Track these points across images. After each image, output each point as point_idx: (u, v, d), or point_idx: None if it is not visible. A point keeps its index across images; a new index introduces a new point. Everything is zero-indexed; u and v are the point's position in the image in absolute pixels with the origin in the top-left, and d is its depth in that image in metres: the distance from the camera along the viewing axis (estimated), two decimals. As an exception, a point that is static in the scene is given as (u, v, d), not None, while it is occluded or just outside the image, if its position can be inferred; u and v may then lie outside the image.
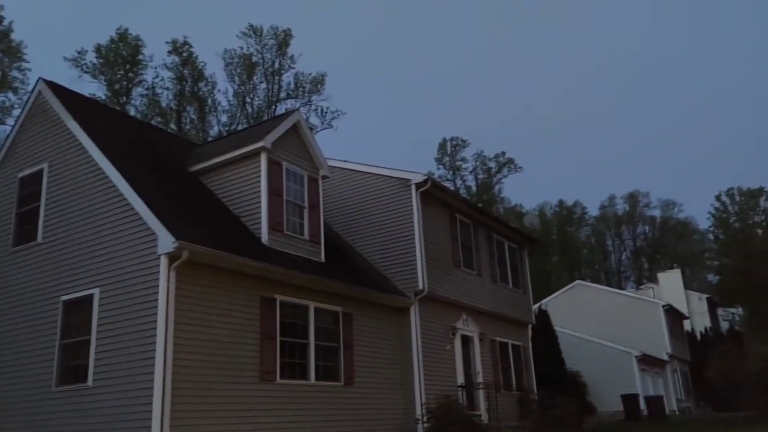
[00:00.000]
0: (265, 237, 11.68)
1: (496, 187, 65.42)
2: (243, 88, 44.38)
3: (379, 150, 79.45)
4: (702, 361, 30.37)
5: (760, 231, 45.02)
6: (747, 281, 34.19)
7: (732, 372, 21.19)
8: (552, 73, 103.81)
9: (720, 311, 46.02)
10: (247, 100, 44.62)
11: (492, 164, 64.63)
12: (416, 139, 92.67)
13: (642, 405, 25.55)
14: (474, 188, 64.93)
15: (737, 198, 49.42)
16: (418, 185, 15.03)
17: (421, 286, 14.48)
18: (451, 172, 64.93)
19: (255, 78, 44.43)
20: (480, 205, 56.52)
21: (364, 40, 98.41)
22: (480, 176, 65.26)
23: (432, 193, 15.53)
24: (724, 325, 43.76)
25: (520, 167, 63.58)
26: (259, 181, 11.99)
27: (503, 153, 64.11)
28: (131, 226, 9.94)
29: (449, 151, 64.91)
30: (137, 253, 9.71)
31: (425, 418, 13.33)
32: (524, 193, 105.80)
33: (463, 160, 64.77)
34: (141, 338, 9.19)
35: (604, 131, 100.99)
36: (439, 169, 64.45)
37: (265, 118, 38.74)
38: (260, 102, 44.81)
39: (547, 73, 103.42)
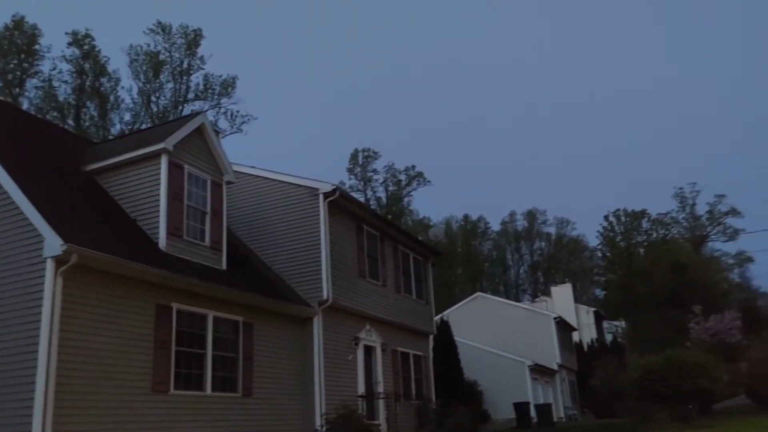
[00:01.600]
0: (162, 242, 11.28)
1: (406, 199, 66.80)
2: (148, 86, 42.65)
3: (292, 158, 78.79)
4: (588, 370, 32.37)
5: (641, 250, 48.85)
6: (628, 297, 37.01)
7: (613, 381, 22.74)
8: (463, 91, 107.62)
9: (605, 324, 49.33)
10: (153, 99, 42.92)
11: (402, 177, 65.95)
12: (329, 149, 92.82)
13: (533, 412, 26.85)
14: (384, 200, 65.89)
15: (623, 219, 53.50)
16: (327, 195, 15.10)
17: (325, 296, 14.52)
18: (362, 183, 65.60)
19: (162, 77, 42.85)
20: (389, 216, 57.47)
21: (281, 48, 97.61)
22: (390, 188, 66.37)
23: (340, 203, 15.66)
24: (609, 337, 46.97)
25: (429, 181, 65.33)
26: (159, 184, 11.58)
27: (413, 166, 65.64)
28: (15, 227, 9.30)
29: (361, 162, 65.57)
30: (21, 256, 9.10)
31: (324, 429, 13.34)
32: (432, 206, 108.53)
33: (375, 171, 65.71)
34: (22, 346, 8.60)
35: (508, 150, 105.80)
36: (350, 179, 64.95)
37: (171, 118, 37.36)
38: (166, 102, 43.25)
39: (458, 91, 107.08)
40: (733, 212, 60.25)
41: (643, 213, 52.86)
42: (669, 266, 35.21)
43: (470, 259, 75.90)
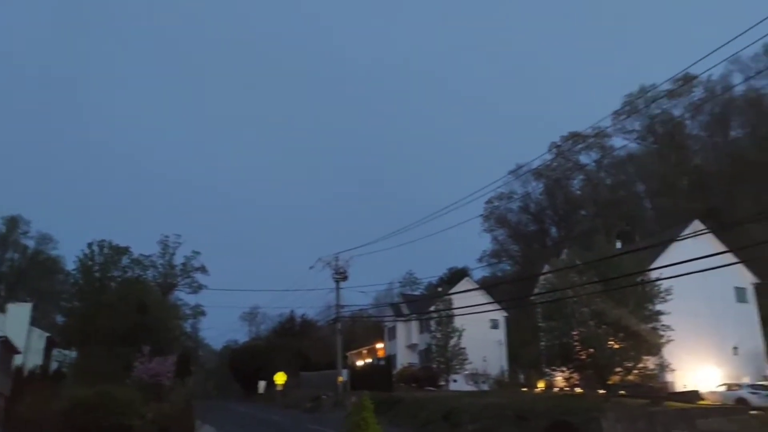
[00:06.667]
0: None
1: None
2: None
3: None
4: (21, 395, 30.91)
5: (114, 285, 50.14)
6: (87, 327, 37.59)
7: (43, 409, 22.80)
8: None
9: (55, 351, 47.65)
10: None
11: None
12: None
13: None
14: None
15: (106, 250, 53.49)
16: None
17: None
18: None
19: None
20: None
21: None
22: None
23: None
24: (55, 365, 45.50)
25: None
26: None
27: None
28: None
29: None
30: None
31: None
32: None
33: None
34: None
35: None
36: None
37: None
38: None
39: None
40: (203, 269, 68.98)
41: (126, 249, 54.40)
42: (134, 305, 37.70)
43: None
